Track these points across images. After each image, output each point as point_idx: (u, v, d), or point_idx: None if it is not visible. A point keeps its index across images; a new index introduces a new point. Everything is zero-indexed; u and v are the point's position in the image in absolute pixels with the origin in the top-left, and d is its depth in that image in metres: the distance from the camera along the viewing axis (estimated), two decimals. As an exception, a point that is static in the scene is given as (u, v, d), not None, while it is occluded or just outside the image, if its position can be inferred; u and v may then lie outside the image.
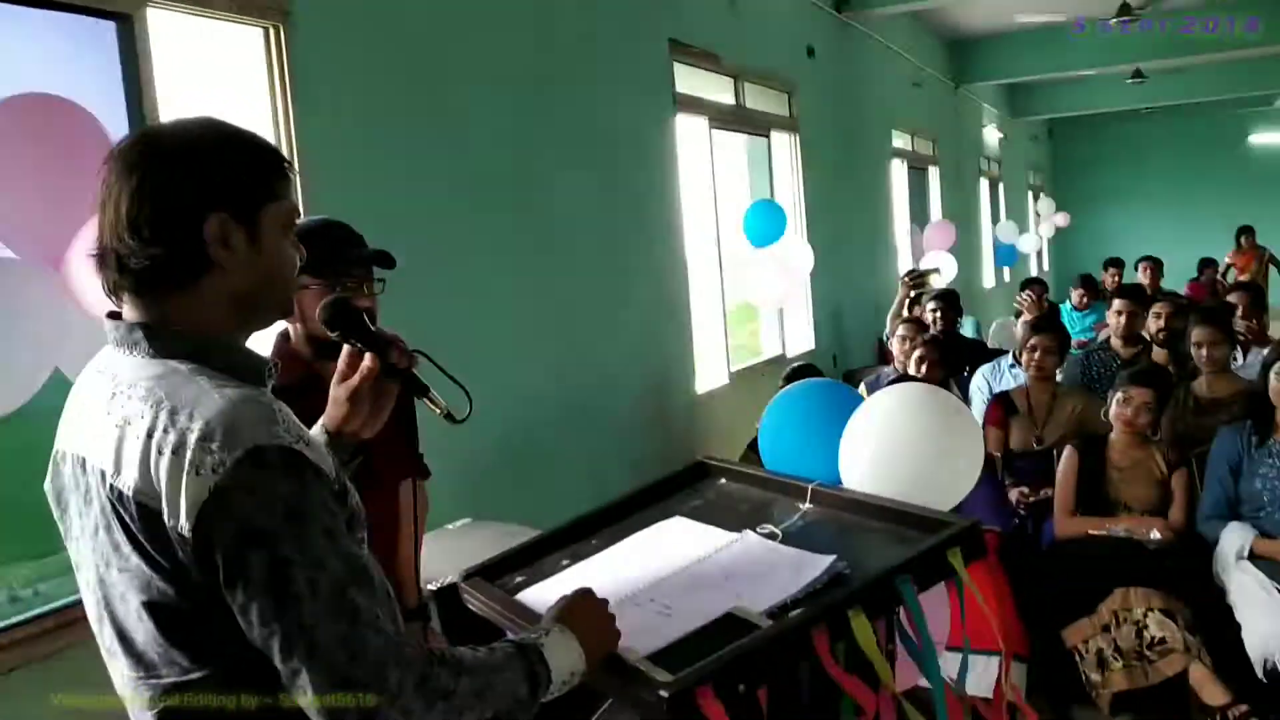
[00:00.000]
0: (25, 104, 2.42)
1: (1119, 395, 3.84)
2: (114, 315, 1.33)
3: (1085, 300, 8.13)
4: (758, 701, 1.41)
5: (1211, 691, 3.13)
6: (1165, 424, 4.07)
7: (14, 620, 2.67)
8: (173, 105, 2.93)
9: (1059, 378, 4.91)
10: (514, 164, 4.47)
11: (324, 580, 1.18)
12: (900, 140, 10.36)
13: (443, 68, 4.08)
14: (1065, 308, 8.15)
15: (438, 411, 1.58)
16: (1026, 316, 6.06)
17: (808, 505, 1.86)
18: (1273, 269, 11.43)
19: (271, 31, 3.27)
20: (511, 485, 4.26)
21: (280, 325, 2.21)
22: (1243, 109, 17.35)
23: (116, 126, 2.67)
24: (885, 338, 7.07)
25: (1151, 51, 11.36)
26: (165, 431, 1.20)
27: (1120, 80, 13.80)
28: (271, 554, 1.17)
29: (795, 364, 5.05)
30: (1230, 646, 3.32)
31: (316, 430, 1.59)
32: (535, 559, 1.97)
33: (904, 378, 4.73)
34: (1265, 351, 5.31)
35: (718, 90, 6.59)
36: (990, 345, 6.91)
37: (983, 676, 2.97)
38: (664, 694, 1.33)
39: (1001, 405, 4.50)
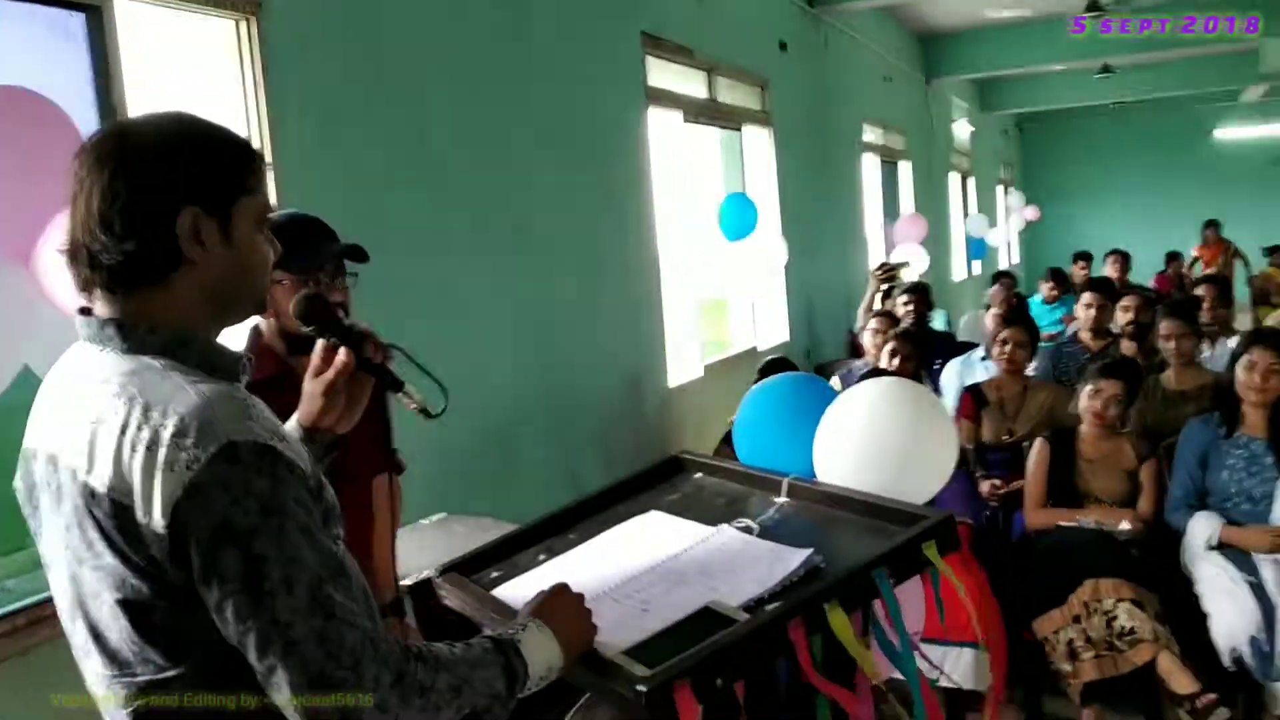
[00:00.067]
0: (-9, 97, 2.39)
1: (1089, 388, 3.87)
2: (85, 311, 1.32)
3: (1055, 293, 8.20)
4: (735, 695, 1.42)
5: (1180, 680, 3.17)
6: (1134, 416, 4.12)
7: (-17, 617, 2.64)
8: (142, 99, 2.89)
9: (1032, 371, 4.96)
10: (486, 158, 4.45)
11: (299, 576, 1.17)
12: (871, 134, 10.39)
13: (415, 61, 4.05)
14: (1035, 301, 8.22)
15: (413, 406, 1.58)
16: (996, 310, 6.10)
17: (783, 499, 1.87)
18: (1237, 262, 11.56)
19: (242, 23, 3.24)
20: (485, 480, 4.25)
21: (252, 320, 2.20)
22: (1208, 104, 17.51)
23: (85, 120, 2.64)
24: (857, 331, 7.11)
25: (1120, 47, 11.44)
26: (139, 428, 1.19)
27: (1088, 75, 13.90)
28: (246, 550, 1.16)
29: (769, 358, 5.06)
30: (1198, 636, 3.37)
31: (291, 425, 1.58)
32: (511, 554, 1.97)
33: (876, 371, 4.76)
34: (1230, 342, 5.40)
35: (690, 84, 6.59)
36: (960, 338, 6.95)
37: (955, 667, 3.01)
38: (642, 689, 1.33)
39: (973, 398, 4.53)
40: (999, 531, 4.19)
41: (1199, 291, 6.33)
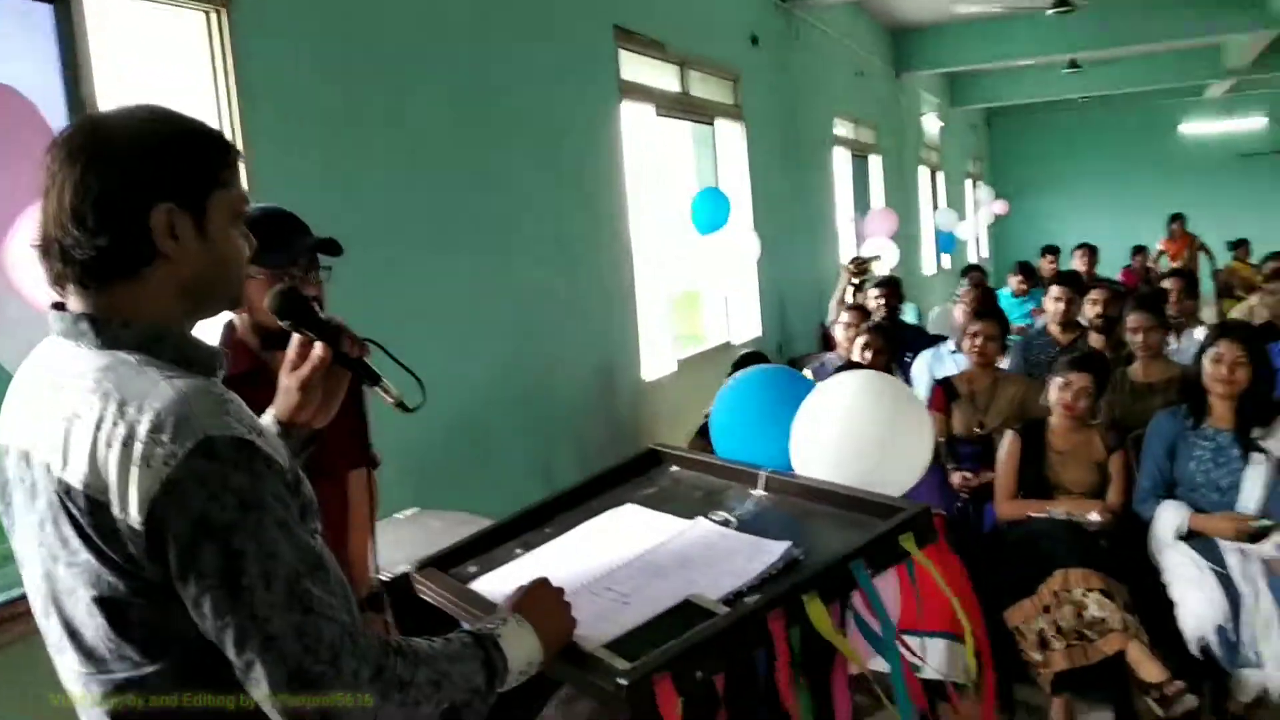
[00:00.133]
0: (-42, 90, 2.36)
1: (1059, 380, 3.90)
2: (58, 306, 1.30)
3: (1023, 287, 8.27)
4: (715, 688, 1.43)
5: (1148, 669, 3.21)
6: (1103, 408, 4.16)
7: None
8: (112, 92, 2.86)
9: (1005, 364, 5.00)
10: (460, 151, 4.44)
11: (277, 571, 1.17)
12: (842, 128, 10.43)
13: (388, 55, 4.03)
14: (1003, 294, 8.28)
15: (390, 400, 1.57)
16: (966, 304, 6.14)
17: (761, 492, 1.87)
18: (1202, 256, 11.69)
19: (213, 15, 3.21)
20: (459, 474, 4.24)
21: (226, 315, 2.18)
22: (1173, 99, 17.71)
23: (54, 114, 2.61)
24: (829, 324, 7.14)
25: (1087, 42, 11.56)
26: (114, 424, 1.18)
27: (1056, 70, 14.03)
28: (224, 546, 1.16)
29: (743, 351, 5.07)
30: (1166, 625, 3.41)
31: (267, 420, 1.57)
32: (488, 548, 1.96)
33: (849, 364, 4.78)
34: (1196, 333, 5.47)
35: (663, 78, 6.58)
36: (931, 331, 7.00)
37: (928, 658, 3.03)
38: (622, 682, 1.33)
39: (944, 391, 4.56)
40: (970, 523, 4.23)
41: (1166, 285, 6.41)
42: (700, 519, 1.79)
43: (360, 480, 2.30)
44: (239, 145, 3.20)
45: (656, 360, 6.24)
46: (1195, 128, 18.63)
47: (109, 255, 1.24)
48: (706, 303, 7.71)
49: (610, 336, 5.74)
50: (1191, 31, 11.13)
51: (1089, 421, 3.94)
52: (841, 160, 10.35)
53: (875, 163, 11.68)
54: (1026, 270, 8.52)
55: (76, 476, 1.19)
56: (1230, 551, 3.42)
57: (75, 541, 1.20)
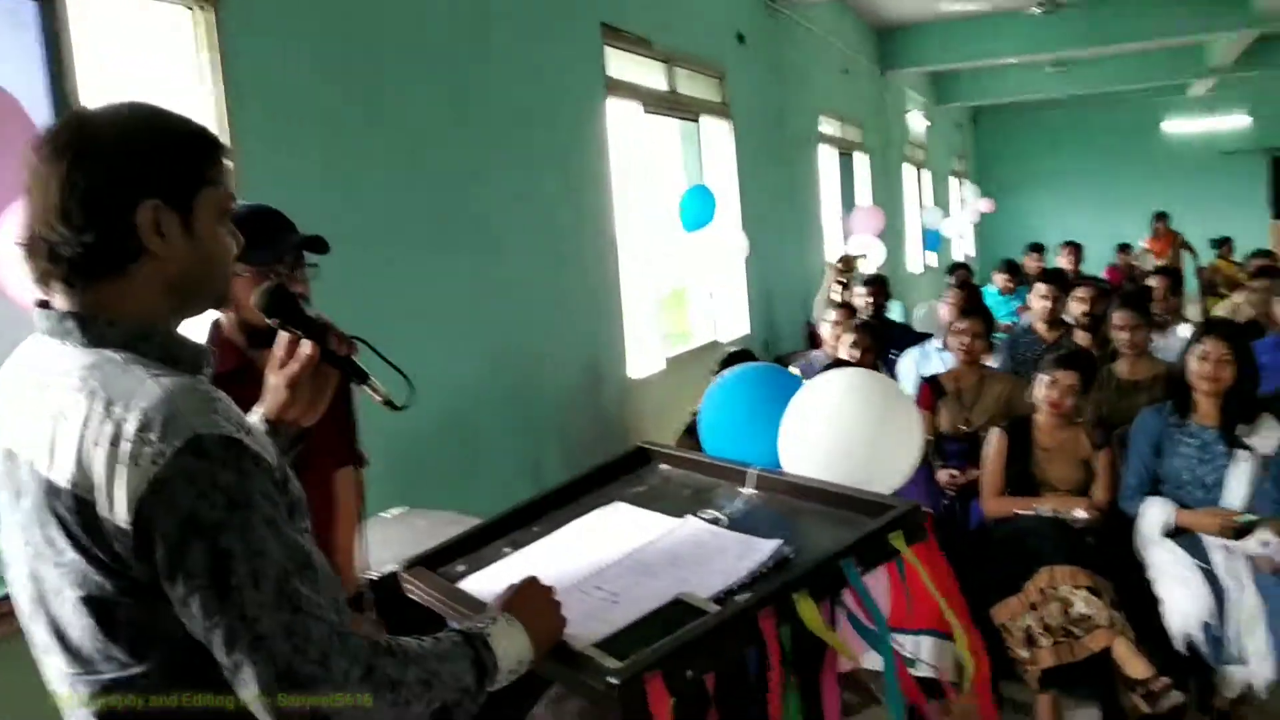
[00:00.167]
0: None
1: (1045, 378, 3.91)
2: (44, 304, 1.29)
3: (1009, 285, 8.29)
4: (705, 687, 1.43)
5: (1135, 665, 3.21)
6: (1089, 406, 4.17)
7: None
8: (97, 88, 2.84)
9: (994, 363, 5.01)
10: (446, 150, 4.42)
11: (266, 570, 1.16)
12: (828, 126, 10.44)
13: (375, 52, 4.01)
14: (989, 292, 8.31)
15: (378, 399, 1.56)
16: (953, 302, 6.15)
17: (750, 490, 1.87)
18: (1185, 253, 11.75)
19: (199, 12, 3.19)
20: (445, 473, 4.23)
21: (212, 313, 2.17)
22: (1157, 97, 17.78)
23: (38, 111, 2.59)
24: (815, 322, 7.15)
25: (1072, 41, 11.60)
26: (101, 423, 1.17)
27: (1041, 69, 14.08)
28: (213, 545, 1.15)
29: (731, 349, 5.07)
30: (1151, 621, 3.42)
31: (255, 418, 1.56)
32: (476, 547, 1.95)
33: (835, 362, 4.79)
34: (1181, 330, 5.50)
35: (649, 75, 6.58)
36: (917, 329, 7.01)
37: (915, 654, 3.03)
38: (614, 681, 1.33)
39: (931, 388, 4.57)
40: (956, 521, 4.24)
41: (1151, 282, 6.44)
42: (690, 517, 1.79)
43: (347, 479, 2.29)
44: (226, 143, 3.18)
45: (643, 358, 6.24)
46: (1178, 126, 18.72)
47: (95, 253, 1.24)
48: (693, 301, 7.70)
49: (597, 334, 5.74)
50: (1176, 30, 11.18)
51: (1075, 419, 3.96)
52: (827, 158, 10.36)
53: (861, 161, 11.70)
54: (1012, 268, 8.54)
55: (63, 476, 1.18)
56: (1215, 548, 3.43)
57: (62, 541, 1.19)
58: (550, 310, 5.21)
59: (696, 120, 7.40)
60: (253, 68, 3.36)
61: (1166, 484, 3.65)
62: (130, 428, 1.15)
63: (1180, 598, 3.37)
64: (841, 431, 1.94)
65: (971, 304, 5.21)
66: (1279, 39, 12.69)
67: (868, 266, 8.29)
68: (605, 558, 1.71)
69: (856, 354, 4.71)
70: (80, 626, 1.22)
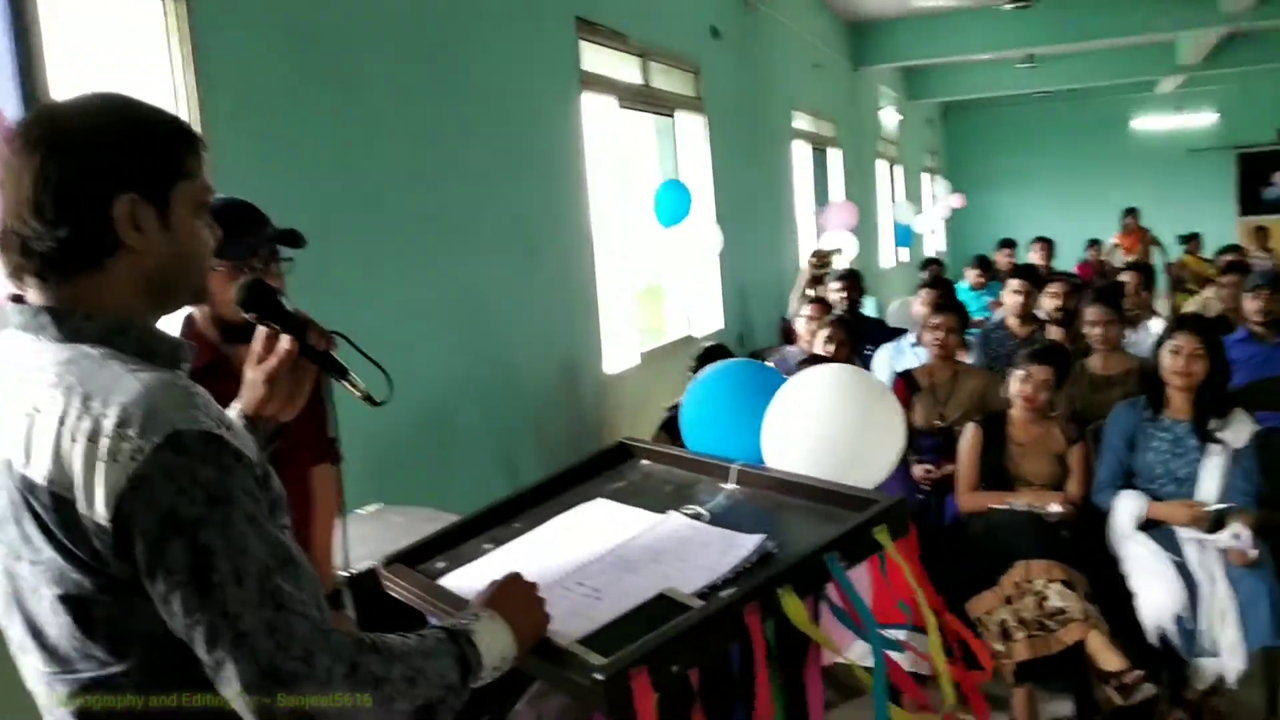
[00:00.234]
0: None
1: (1020, 373, 3.93)
2: (17, 299, 1.27)
3: (981, 280, 8.34)
4: (690, 682, 1.42)
5: (1108, 658, 3.24)
6: (1063, 400, 4.20)
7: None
8: (66, 80, 2.79)
9: (969, 359, 5.04)
10: (420, 142, 4.39)
11: (248, 567, 1.15)
12: (802, 121, 10.45)
13: (348, 44, 3.97)
14: (961, 288, 8.35)
15: (357, 394, 1.55)
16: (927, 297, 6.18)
17: (732, 485, 1.86)
18: (1154, 249, 11.86)
19: (170, 1, 3.14)
20: (421, 469, 4.20)
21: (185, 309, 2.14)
22: (1126, 95, 17.94)
23: (6, 104, 2.55)
24: (790, 318, 7.16)
25: (1043, 37, 11.67)
26: (79, 418, 1.15)
27: (1012, 65, 14.16)
28: (193, 541, 1.13)
29: (707, 345, 5.07)
30: (1125, 615, 3.45)
31: (233, 414, 1.54)
32: (456, 544, 1.94)
33: (810, 358, 4.79)
34: (1152, 324, 5.56)
35: (624, 69, 6.56)
36: (891, 324, 7.04)
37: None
38: (599, 676, 1.32)
39: (905, 383, 4.59)
40: (931, 515, 4.25)
41: (1124, 278, 6.50)
42: (672, 513, 1.78)
43: (324, 476, 2.27)
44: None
45: (619, 354, 6.22)
46: (1147, 123, 18.89)
47: (70, 247, 1.22)
48: (668, 296, 7.70)
49: (573, 329, 5.72)
50: (1145, 27, 11.27)
51: (1049, 414, 3.98)
52: (801, 153, 10.38)
53: (835, 156, 11.73)
54: (984, 264, 8.59)
55: (40, 472, 1.16)
56: (1188, 542, 3.47)
57: (39, 539, 1.17)
58: (526, 306, 5.18)
59: (672, 115, 7.39)
60: (224, 59, 3.32)
61: (1140, 478, 3.68)
62: (109, 423, 1.14)
63: (1154, 591, 3.41)
64: (826, 426, 1.93)
65: (946, 299, 5.24)
66: (1246, 38, 12.85)
67: (842, 262, 8.31)
68: (587, 554, 1.70)
69: (831, 349, 4.72)
70: (58, 625, 1.20)
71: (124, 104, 1.29)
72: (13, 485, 1.19)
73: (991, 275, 8.43)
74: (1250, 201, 17.87)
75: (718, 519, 1.74)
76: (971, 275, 8.42)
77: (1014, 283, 5.53)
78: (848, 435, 1.93)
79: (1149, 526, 3.57)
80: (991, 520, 3.74)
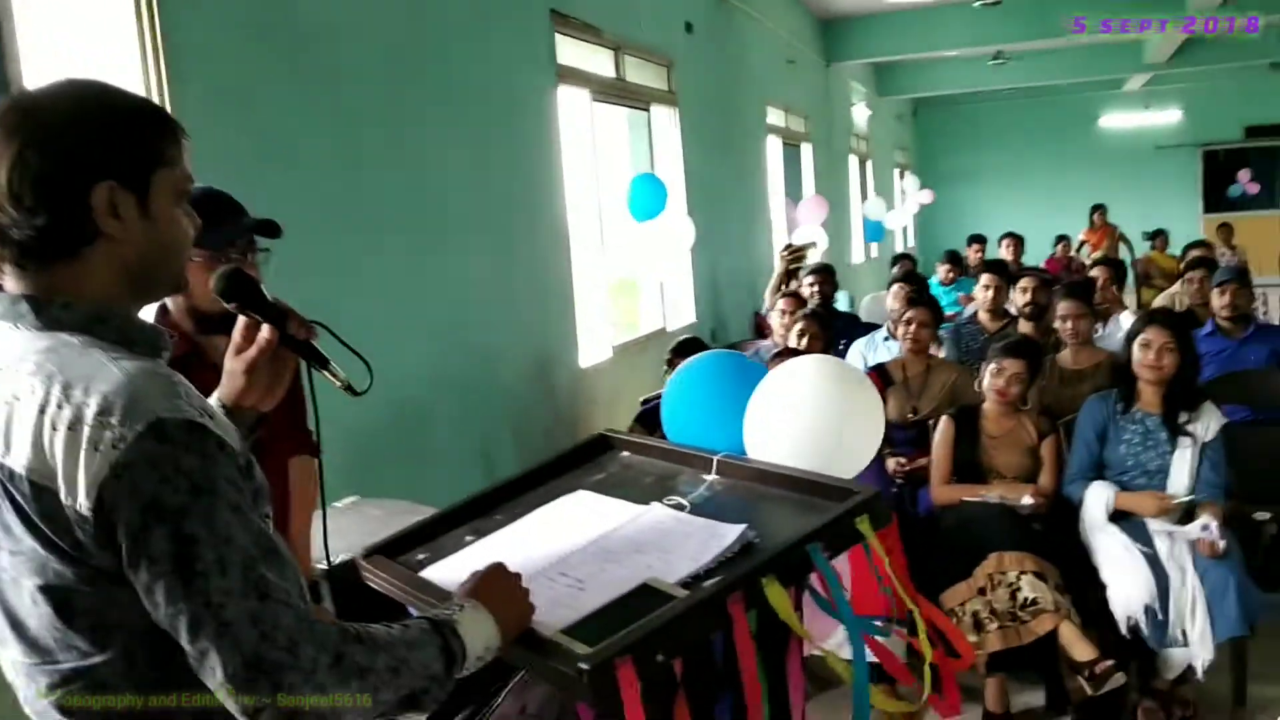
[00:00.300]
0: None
1: (992, 367, 3.96)
2: (-6, 289, 1.26)
3: (951, 276, 8.39)
4: (674, 671, 1.42)
5: (1080, 648, 3.28)
6: (1034, 394, 4.24)
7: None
8: (37, 69, 2.75)
9: (942, 353, 5.07)
10: (396, 134, 4.37)
11: (232, 557, 1.14)
12: (775, 117, 10.48)
13: (323, 36, 3.95)
14: (932, 282, 8.40)
15: (337, 384, 1.54)
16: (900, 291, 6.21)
17: (714, 476, 1.87)
18: (1122, 245, 11.97)
19: (140, -10, 3.11)
20: (396, 462, 4.18)
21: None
22: (1094, 92, 18.11)
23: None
24: (764, 312, 7.18)
25: (1013, 34, 11.75)
26: (59, 407, 1.14)
27: (982, 62, 14.26)
28: (177, 530, 1.12)
29: (681, 339, 5.08)
30: (1096, 605, 3.49)
31: (213, 403, 1.53)
32: (436, 536, 1.93)
33: (785, 351, 4.80)
34: (1122, 318, 5.61)
35: (598, 63, 6.55)
36: (863, 319, 7.07)
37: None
38: (584, 666, 1.32)
39: (879, 377, 4.60)
40: (905, 508, 4.28)
41: (1094, 273, 6.56)
42: (654, 504, 1.78)
43: (303, 468, 2.25)
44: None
45: (593, 347, 6.22)
46: (1114, 120, 19.09)
47: (48, 235, 1.21)
48: (642, 289, 7.69)
49: (546, 323, 5.71)
50: (1117, 26, 11.35)
51: (1021, 407, 4.01)
52: (774, 148, 10.40)
53: (807, 151, 11.76)
54: (954, 259, 8.64)
55: (20, 462, 1.15)
56: (1159, 534, 3.51)
57: (19, 529, 1.16)
58: (501, 298, 5.17)
59: (646, 109, 7.39)
60: (193, 47, 3.28)
61: (1111, 470, 3.72)
62: (90, 412, 1.12)
63: (1124, 582, 3.44)
64: (809, 418, 1.94)
65: (918, 294, 5.27)
66: (1211, 37, 12.96)
67: (815, 256, 8.34)
68: (570, 545, 1.69)
69: (804, 342, 4.74)
70: (38, 615, 1.19)
71: (102, 91, 1.28)
72: (-10, 475, 1.17)
73: (962, 271, 8.47)
74: (1215, 199, 18.09)
75: (699, 510, 1.75)
76: (942, 271, 8.46)
77: (985, 278, 5.57)
78: (830, 426, 1.94)
79: (1120, 518, 3.60)
80: (964, 513, 3.77)
